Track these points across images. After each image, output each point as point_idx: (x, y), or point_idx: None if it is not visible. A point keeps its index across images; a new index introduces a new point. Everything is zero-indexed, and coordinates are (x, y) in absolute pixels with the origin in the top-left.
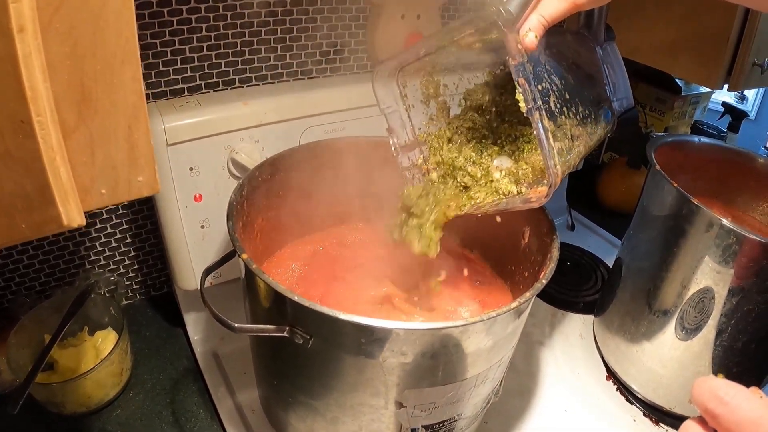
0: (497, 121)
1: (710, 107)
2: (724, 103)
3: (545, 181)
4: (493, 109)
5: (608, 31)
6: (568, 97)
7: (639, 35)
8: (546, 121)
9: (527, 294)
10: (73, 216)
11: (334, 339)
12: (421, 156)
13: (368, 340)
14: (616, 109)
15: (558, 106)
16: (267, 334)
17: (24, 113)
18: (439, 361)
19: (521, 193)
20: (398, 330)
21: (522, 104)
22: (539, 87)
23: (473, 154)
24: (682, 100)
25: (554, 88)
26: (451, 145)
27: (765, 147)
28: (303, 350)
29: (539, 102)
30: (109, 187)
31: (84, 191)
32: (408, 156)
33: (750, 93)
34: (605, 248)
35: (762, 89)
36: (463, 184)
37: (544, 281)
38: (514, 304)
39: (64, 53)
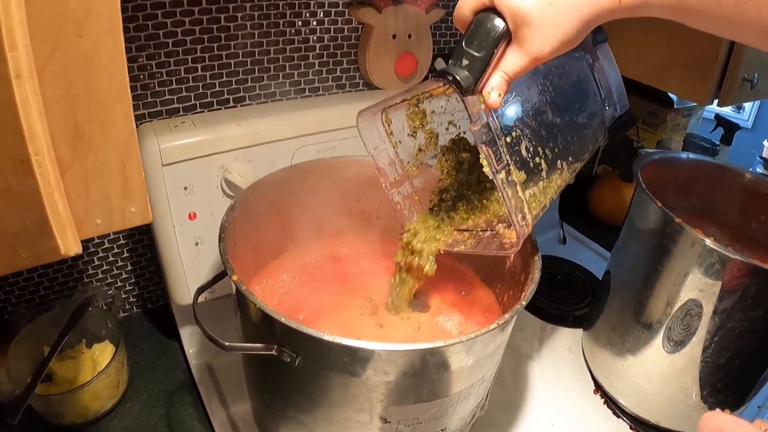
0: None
1: (706, 116)
2: (716, 116)
3: None
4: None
5: (598, 33)
6: (544, 133)
7: (628, 53)
8: (515, 174)
9: (506, 316)
10: (69, 246)
11: (320, 358)
12: (412, 188)
13: (352, 359)
14: (609, 114)
15: (531, 150)
16: (256, 353)
17: (23, 153)
18: (421, 379)
19: (499, 233)
20: (380, 351)
21: (486, 169)
22: (508, 139)
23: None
24: (675, 113)
25: (527, 131)
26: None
27: (760, 157)
28: (291, 368)
29: (506, 159)
30: (104, 218)
31: (80, 222)
32: (398, 190)
33: (746, 103)
34: (597, 262)
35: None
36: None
37: (524, 303)
38: (493, 326)
39: (59, 94)
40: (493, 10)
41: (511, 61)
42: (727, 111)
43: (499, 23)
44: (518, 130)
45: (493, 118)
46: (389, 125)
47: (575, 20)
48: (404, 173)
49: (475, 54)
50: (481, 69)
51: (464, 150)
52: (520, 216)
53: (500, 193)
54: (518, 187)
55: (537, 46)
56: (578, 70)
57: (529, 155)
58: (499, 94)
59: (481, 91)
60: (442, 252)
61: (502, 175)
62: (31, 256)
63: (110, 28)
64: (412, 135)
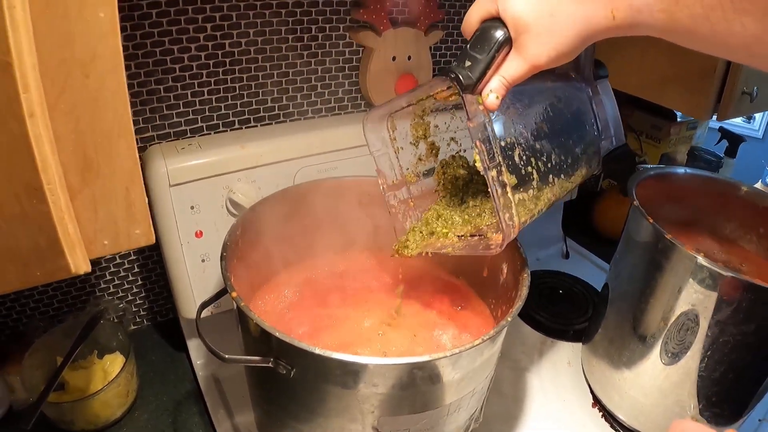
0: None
1: (712, 125)
2: (720, 128)
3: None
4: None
5: (599, 68)
6: (538, 147)
7: (628, 68)
8: (506, 176)
9: (491, 331)
10: (79, 265)
11: (313, 370)
12: (408, 194)
13: (342, 372)
14: (604, 147)
15: (524, 158)
16: (254, 365)
17: (36, 182)
18: (410, 392)
19: (486, 236)
20: (368, 364)
21: (479, 164)
22: (502, 143)
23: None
24: (679, 126)
25: (521, 140)
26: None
27: None
28: (287, 379)
29: (498, 159)
30: (111, 239)
31: (89, 242)
32: (395, 194)
33: (754, 114)
34: (599, 276)
35: None
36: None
37: (509, 318)
38: (477, 341)
39: (69, 129)
40: (498, 20)
41: (511, 67)
42: (737, 121)
43: (501, 30)
44: (513, 138)
45: (489, 120)
46: (393, 131)
47: (572, 33)
48: (402, 178)
49: (478, 56)
50: (482, 71)
51: (461, 167)
52: (507, 215)
53: (490, 190)
54: (508, 188)
55: (535, 53)
56: (579, 101)
57: (522, 163)
58: (497, 97)
59: (480, 92)
60: (430, 255)
61: (494, 172)
62: (44, 273)
63: (113, 69)
64: (414, 144)
